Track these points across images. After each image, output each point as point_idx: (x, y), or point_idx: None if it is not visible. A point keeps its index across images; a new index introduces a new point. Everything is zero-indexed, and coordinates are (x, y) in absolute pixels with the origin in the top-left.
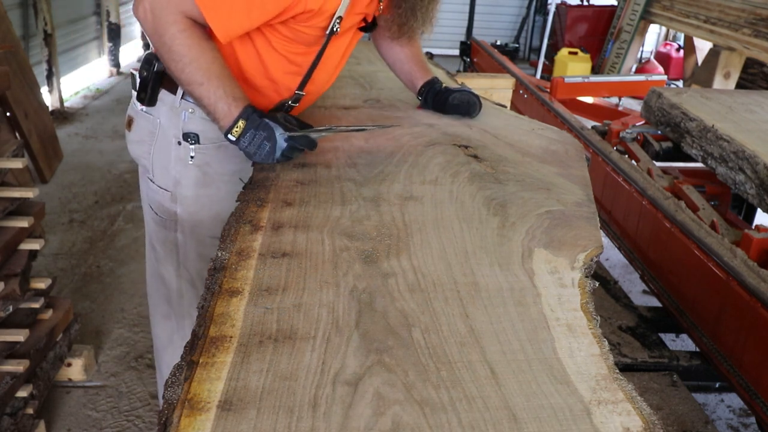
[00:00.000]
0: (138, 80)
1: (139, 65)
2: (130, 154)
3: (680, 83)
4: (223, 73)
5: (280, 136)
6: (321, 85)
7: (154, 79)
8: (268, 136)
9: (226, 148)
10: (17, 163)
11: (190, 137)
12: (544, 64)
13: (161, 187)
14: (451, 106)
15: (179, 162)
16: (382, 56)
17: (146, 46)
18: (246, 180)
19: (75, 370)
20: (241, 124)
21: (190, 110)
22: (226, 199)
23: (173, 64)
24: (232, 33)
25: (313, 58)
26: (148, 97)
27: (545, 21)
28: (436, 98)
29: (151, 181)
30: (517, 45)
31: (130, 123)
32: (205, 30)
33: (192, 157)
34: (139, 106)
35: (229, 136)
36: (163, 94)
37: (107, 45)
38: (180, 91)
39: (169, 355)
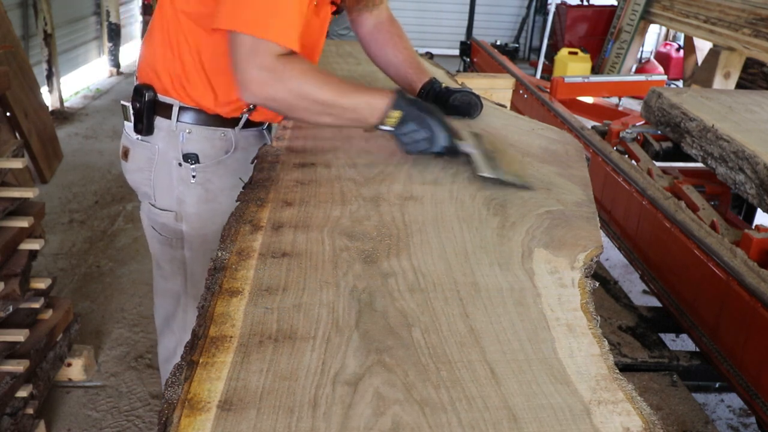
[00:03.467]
0: (132, 112)
1: (129, 97)
2: (129, 183)
3: (680, 83)
4: (345, 82)
5: (439, 145)
6: None
7: (148, 108)
8: (430, 139)
9: (225, 164)
10: (17, 163)
11: (190, 158)
12: (544, 64)
13: (164, 209)
14: (451, 106)
15: (181, 182)
16: (375, 61)
17: None
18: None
19: (75, 370)
20: (396, 114)
21: (187, 131)
22: (228, 211)
23: (309, 110)
24: (295, 34)
25: None
26: (145, 127)
27: (545, 21)
28: (437, 99)
29: (153, 205)
30: (517, 45)
31: (126, 153)
32: (298, 56)
33: (194, 176)
34: (134, 135)
35: (382, 126)
36: (159, 121)
37: (107, 45)
38: (176, 115)
39: (173, 366)
